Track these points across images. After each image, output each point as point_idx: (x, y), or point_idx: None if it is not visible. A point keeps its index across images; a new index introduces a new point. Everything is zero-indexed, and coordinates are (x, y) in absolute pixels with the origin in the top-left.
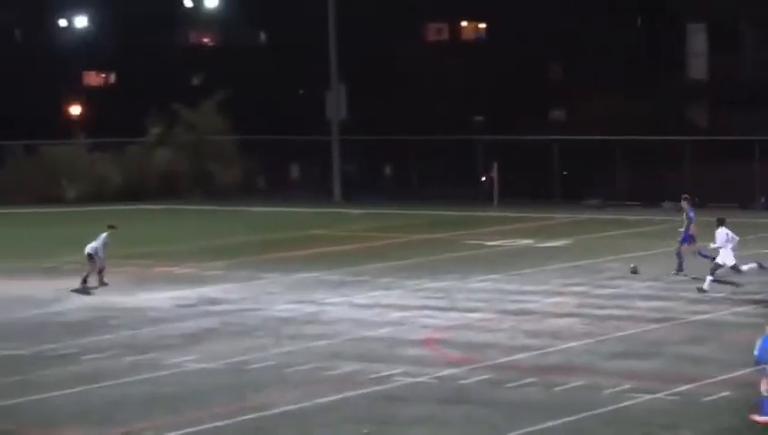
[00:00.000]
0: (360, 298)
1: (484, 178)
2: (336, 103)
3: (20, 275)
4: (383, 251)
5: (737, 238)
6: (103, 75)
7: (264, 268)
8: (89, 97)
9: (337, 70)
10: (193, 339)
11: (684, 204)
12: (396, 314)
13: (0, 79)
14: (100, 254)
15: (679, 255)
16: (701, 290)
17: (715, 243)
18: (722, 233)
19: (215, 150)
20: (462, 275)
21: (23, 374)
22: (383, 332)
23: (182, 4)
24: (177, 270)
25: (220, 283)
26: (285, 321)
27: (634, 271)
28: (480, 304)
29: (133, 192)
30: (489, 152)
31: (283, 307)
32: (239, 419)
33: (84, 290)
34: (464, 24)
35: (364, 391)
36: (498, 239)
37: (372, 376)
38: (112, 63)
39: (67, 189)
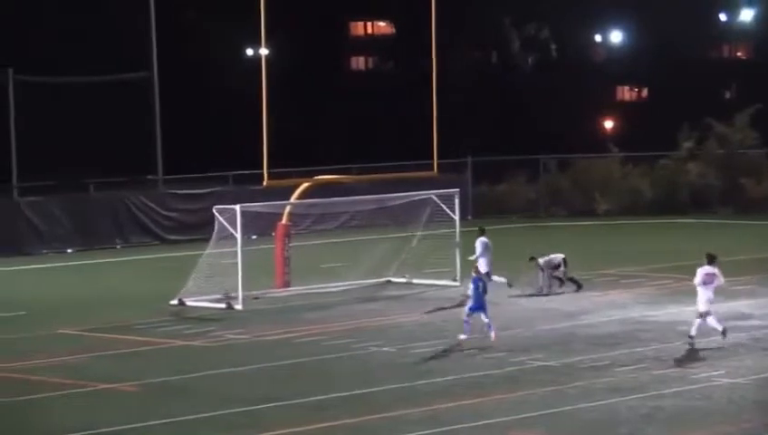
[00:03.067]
0: None
1: None
2: None
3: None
4: None
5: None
6: (636, 90)
7: None
8: (622, 111)
9: None
10: (721, 353)
11: None
12: None
13: (538, 94)
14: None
15: None
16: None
17: (475, 253)
18: (480, 242)
19: (746, 164)
20: None
21: (555, 385)
22: None
23: (717, 18)
24: None
25: (751, 298)
26: None
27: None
28: None
29: (664, 206)
30: None
31: None
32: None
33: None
34: None
35: None
36: None
37: None
38: (645, 78)
39: (599, 203)
